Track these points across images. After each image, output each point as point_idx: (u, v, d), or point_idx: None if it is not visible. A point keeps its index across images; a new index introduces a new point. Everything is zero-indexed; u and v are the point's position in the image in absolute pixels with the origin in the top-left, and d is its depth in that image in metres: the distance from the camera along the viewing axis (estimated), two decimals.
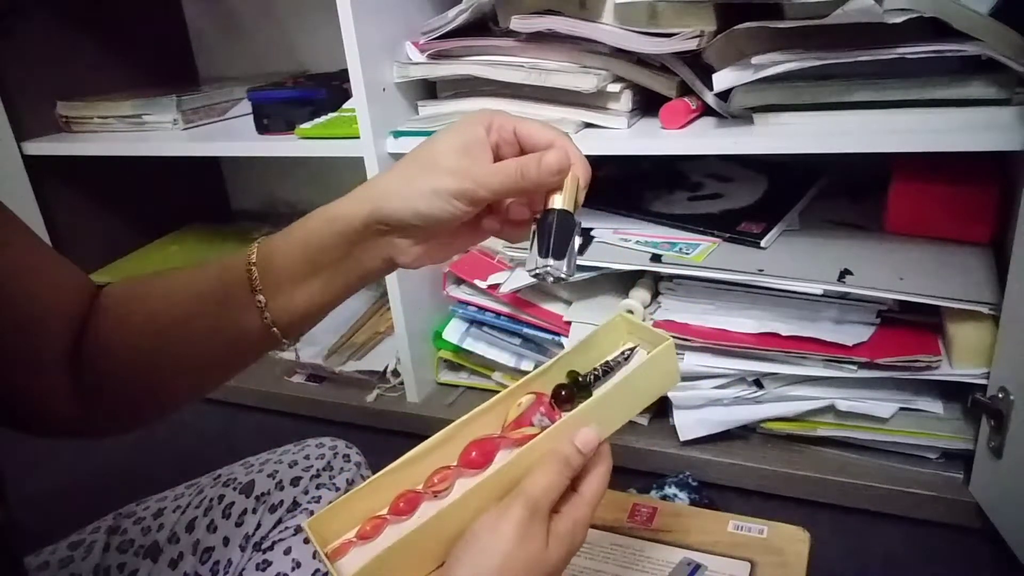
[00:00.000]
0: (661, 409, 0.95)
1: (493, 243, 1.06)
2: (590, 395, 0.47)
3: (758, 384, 0.88)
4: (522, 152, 0.45)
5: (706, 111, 0.89)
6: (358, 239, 0.44)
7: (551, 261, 0.42)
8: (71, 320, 0.47)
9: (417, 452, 0.46)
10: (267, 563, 0.59)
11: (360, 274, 0.46)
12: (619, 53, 0.86)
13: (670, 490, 0.86)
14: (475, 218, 0.45)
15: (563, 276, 0.43)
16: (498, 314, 1.04)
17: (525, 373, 1.04)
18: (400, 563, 0.40)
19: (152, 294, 0.49)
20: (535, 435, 0.44)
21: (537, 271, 0.43)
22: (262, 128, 1.10)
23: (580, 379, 0.48)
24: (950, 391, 0.83)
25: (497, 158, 0.44)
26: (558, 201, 0.43)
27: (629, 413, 0.48)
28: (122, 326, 0.47)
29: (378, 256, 0.45)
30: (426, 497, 0.45)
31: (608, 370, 0.49)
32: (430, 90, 1.03)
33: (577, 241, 0.44)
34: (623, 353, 0.50)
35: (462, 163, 0.43)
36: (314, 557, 0.61)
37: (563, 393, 0.47)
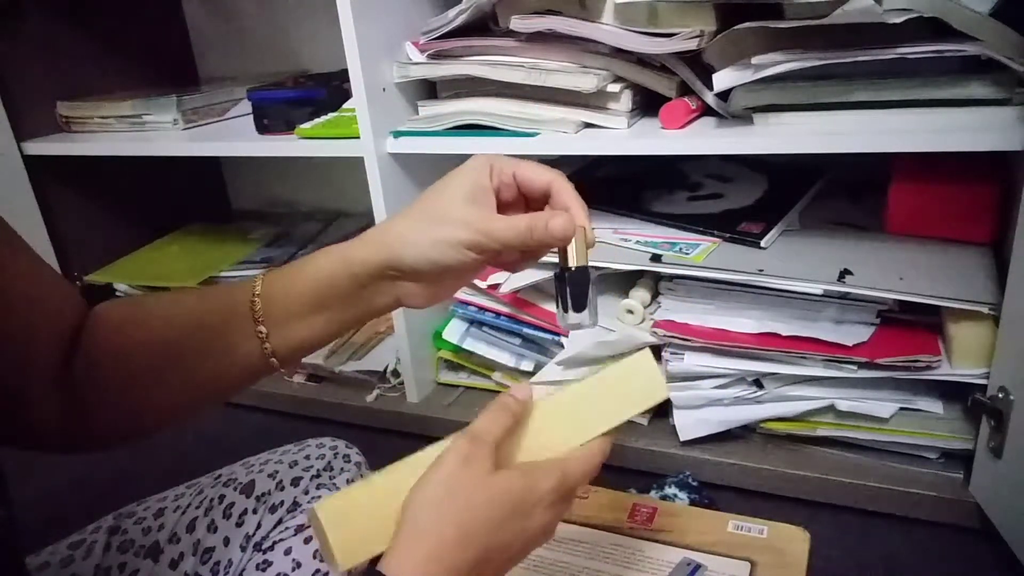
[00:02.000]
0: (661, 409, 0.95)
1: None
2: None
3: (758, 384, 0.88)
4: (520, 192, 0.49)
5: (706, 111, 0.89)
6: (369, 282, 0.47)
7: (576, 317, 0.47)
8: (62, 335, 0.47)
9: (427, 453, 0.45)
10: (267, 563, 0.59)
11: (366, 312, 0.48)
12: (619, 53, 0.86)
13: (670, 490, 0.86)
14: None
15: (589, 326, 0.48)
16: (498, 314, 1.04)
17: (525, 373, 1.05)
18: (377, 504, 0.41)
19: (152, 316, 0.50)
20: None
21: (569, 326, 0.48)
22: (262, 128, 1.10)
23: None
24: (950, 391, 0.83)
25: (498, 201, 0.47)
26: (571, 256, 0.47)
27: (610, 420, 0.47)
28: (118, 346, 0.48)
29: (387, 297, 0.48)
30: None
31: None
32: (430, 90, 1.03)
33: (593, 291, 0.48)
34: None
35: (472, 214, 0.45)
36: (314, 557, 0.61)
37: None
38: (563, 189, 0.48)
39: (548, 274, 0.96)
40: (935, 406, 0.83)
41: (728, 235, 0.92)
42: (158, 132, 1.21)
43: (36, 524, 0.60)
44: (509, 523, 0.40)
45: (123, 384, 0.48)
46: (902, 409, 0.83)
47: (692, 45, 0.80)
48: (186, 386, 0.49)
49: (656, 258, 0.90)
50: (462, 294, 1.07)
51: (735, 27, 0.75)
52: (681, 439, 0.92)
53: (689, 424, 0.91)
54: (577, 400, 0.47)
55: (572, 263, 0.47)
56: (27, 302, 0.45)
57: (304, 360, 1.17)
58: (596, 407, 0.47)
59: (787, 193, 1.00)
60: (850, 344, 0.80)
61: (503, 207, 0.48)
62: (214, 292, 0.50)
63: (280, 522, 0.62)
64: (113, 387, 0.47)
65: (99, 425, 0.48)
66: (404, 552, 0.38)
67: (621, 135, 0.88)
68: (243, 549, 0.60)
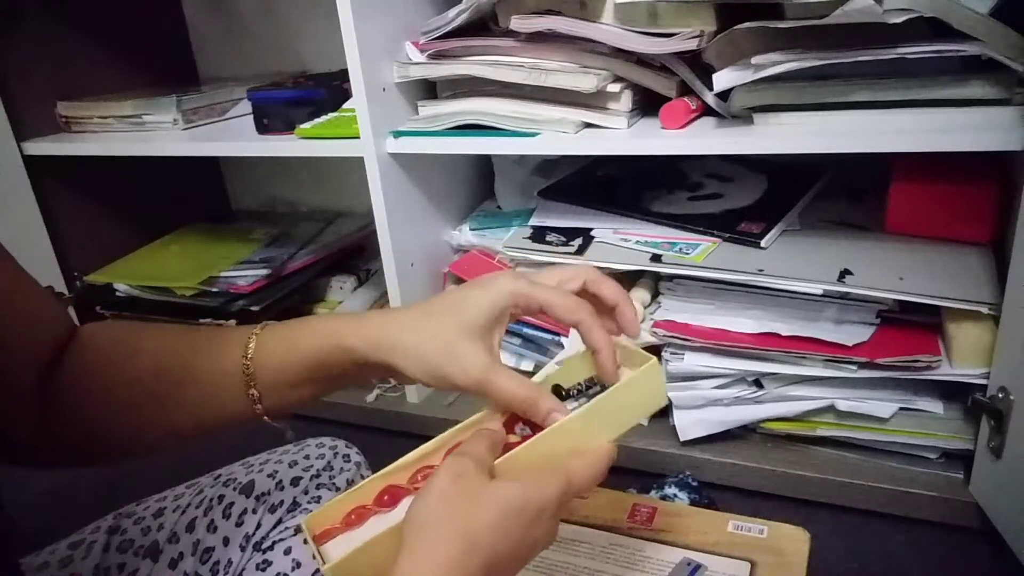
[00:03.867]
0: (661, 409, 0.95)
1: (493, 243, 1.06)
2: (571, 402, 0.48)
3: (758, 384, 0.88)
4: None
5: (706, 111, 0.89)
6: (358, 372, 0.47)
7: None
8: (43, 350, 0.47)
9: (414, 456, 0.47)
10: (267, 563, 0.59)
11: (356, 384, 0.49)
12: (619, 53, 0.86)
13: (670, 490, 0.86)
14: None
15: None
16: None
17: (525, 373, 1.04)
18: (382, 552, 0.40)
19: (140, 353, 0.50)
20: (516, 443, 0.44)
21: None
22: (262, 128, 1.10)
23: (563, 392, 0.49)
24: (950, 391, 0.83)
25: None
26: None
27: (614, 430, 0.47)
28: (100, 376, 0.48)
29: (371, 380, 0.48)
30: (408, 493, 0.45)
31: (591, 385, 0.50)
32: (430, 90, 1.03)
33: None
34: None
35: (476, 361, 0.44)
36: (314, 557, 0.61)
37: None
38: (592, 329, 0.47)
39: None
40: (935, 406, 0.83)
41: (728, 235, 0.92)
42: (158, 132, 1.21)
43: (35, 524, 0.60)
44: (515, 529, 0.39)
45: (100, 413, 0.48)
46: (902, 409, 0.83)
47: (692, 45, 0.80)
48: (170, 425, 0.49)
49: (656, 258, 0.90)
50: None
51: (735, 27, 0.75)
52: (681, 439, 0.92)
53: (689, 424, 0.91)
54: (582, 419, 0.46)
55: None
56: (7, 315, 0.45)
57: None
58: (601, 420, 0.46)
59: (787, 193, 1.00)
60: (850, 344, 0.80)
61: None
62: (206, 342, 0.50)
63: (280, 522, 0.62)
64: (89, 414, 0.48)
65: (72, 443, 0.49)
66: (410, 570, 0.36)
67: (621, 135, 0.88)
68: (243, 549, 0.60)
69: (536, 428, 0.47)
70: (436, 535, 0.37)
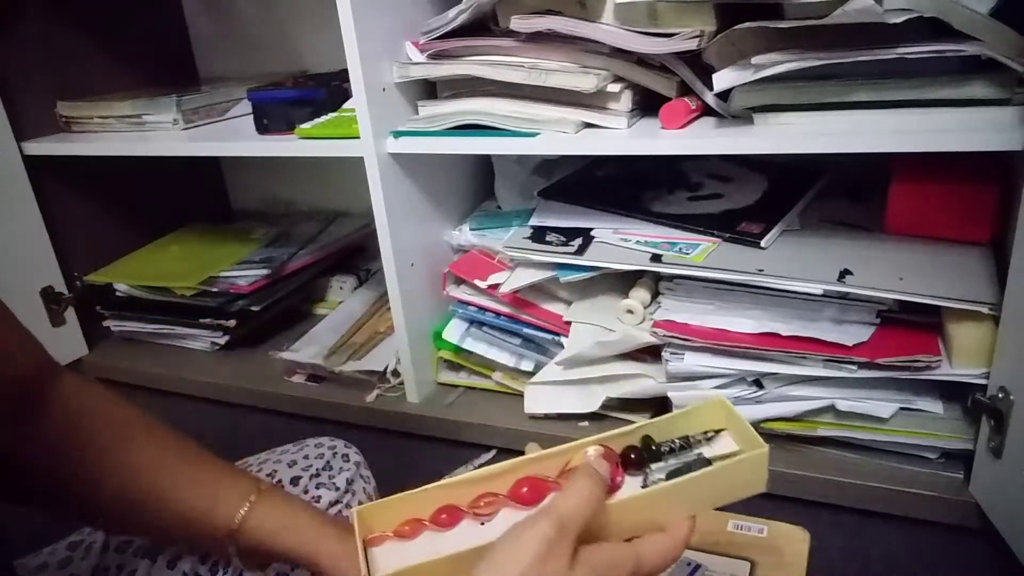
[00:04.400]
0: (661, 409, 0.95)
1: (493, 243, 1.06)
2: (659, 462, 0.46)
3: (758, 384, 0.88)
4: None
5: (706, 111, 0.89)
6: None
7: None
8: (9, 384, 0.47)
9: (473, 475, 0.46)
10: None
11: None
12: (619, 53, 0.86)
13: None
14: None
15: None
16: (498, 314, 1.04)
17: (525, 373, 1.05)
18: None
19: (127, 450, 0.51)
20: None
21: None
22: (262, 128, 1.10)
23: (653, 446, 0.47)
24: (950, 391, 0.83)
25: None
26: None
27: (699, 507, 0.45)
28: (71, 442, 0.49)
29: None
30: (467, 516, 0.45)
31: (685, 445, 0.47)
32: (430, 90, 1.03)
33: None
34: (706, 433, 0.48)
35: None
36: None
37: (632, 456, 0.46)
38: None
39: (549, 274, 0.96)
40: (935, 406, 0.83)
41: (728, 235, 0.92)
42: (158, 132, 1.21)
43: (35, 525, 0.60)
44: None
45: (64, 472, 0.49)
46: (902, 409, 0.83)
47: (692, 45, 0.80)
48: (129, 521, 0.52)
49: (656, 258, 0.90)
50: (462, 294, 1.07)
51: (735, 27, 0.75)
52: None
53: None
54: (669, 493, 0.44)
55: None
56: None
57: (304, 360, 1.17)
58: (690, 496, 0.44)
59: (787, 193, 1.00)
60: (850, 344, 0.80)
61: None
62: (196, 489, 0.52)
63: None
64: (50, 467, 0.48)
65: (20, 485, 0.49)
66: None
67: (621, 135, 0.88)
68: None
69: (616, 474, 0.45)
70: None
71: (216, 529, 0.50)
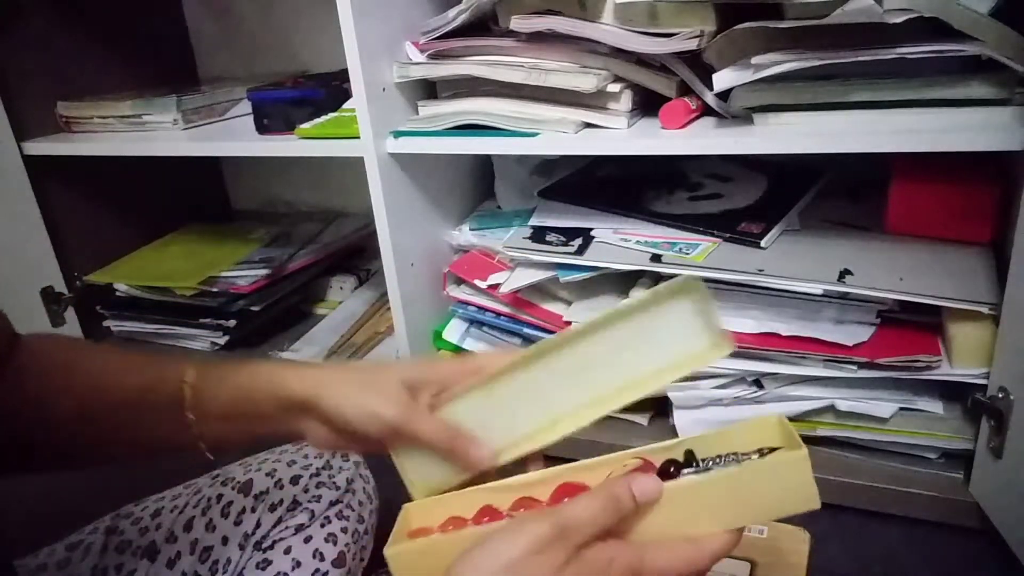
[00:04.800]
0: (661, 409, 0.95)
1: (493, 243, 1.06)
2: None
3: (758, 384, 0.88)
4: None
5: (706, 111, 0.89)
6: (287, 409, 0.48)
7: None
8: None
9: (517, 480, 0.46)
10: (267, 562, 0.59)
11: (273, 433, 0.50)
12: (619, 53, 0.86)
13: None
14: None
15: None
16: (498, 314, 1.04)
17: None
18: (442, 554, 0.40)
19: (77, 368, 0.51)
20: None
21: None
22: (262, 128, 1.10)
23: (696, 462, 0.45)
24: (950, 391, 0.83)
25: None
26: None
27: (740, 516, 0.42)
28: (38, 385, 0.49)
29: (296, 427, 0.49)
30: (506, 518, 0.45)
31: (735, 460, 0.44)
32: (430, 90, 1.03)
33: None
34: (760, 451, 0.44)
35: (405, 400, 0.47)
36: (313, 556, 0.61)
37: (671, 469, 0.45)
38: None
39: (549, 274, 0.96)
40: (935, 406, 0.83)
41: (728, 235, 0.92)
42: (158, 132, 1.21)
43: (34, 525, 0.60)
44: None
45: (35, 424, 0.49)
46: (902, 409, 0.83)
47: (692, 45, 0.80)
48: (101, 445, 0.50)
49: (656, 258, 0.90)
50: (462, 294, 1.07)
51: (735, 27, 0.75)
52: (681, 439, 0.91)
53: (689, 424, 0.90)
54: (688, 492, 0.41)
55: None
56: None
57: (304, 360, 1.17)
58: (714, 500, 0.41)
59: (787, 193, 1.00)
60: (850, 344, 0.80)
61: None
62: (144, 366, 0.51)
63: (280, 521, 0.62)
64: (24, 423, 0.48)
65: (8, 450, 0.49)
66: None
67: (621, 135, 0.88)
68: (242, 548, 0.60)
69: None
70: None
71: (164, 397, 0.49)
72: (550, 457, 0.48)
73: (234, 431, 0.50)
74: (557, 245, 0.97)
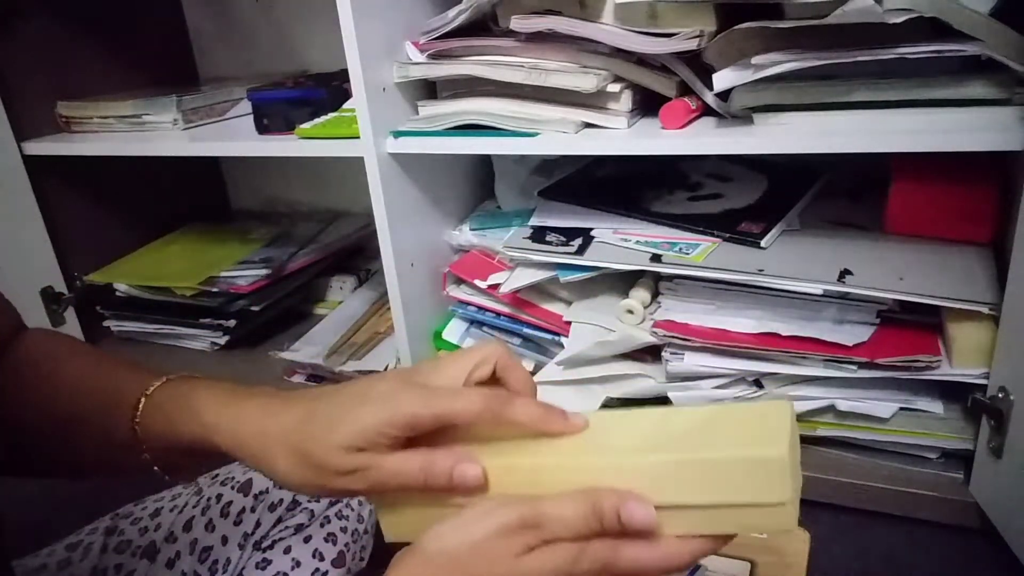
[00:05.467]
0: None
1: (493, 243, 1.06)
2: None
3: (758, 384, 0.88)
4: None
5: (706, 111, 0.89)
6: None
7: None
8: None
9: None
10: (267, 562, 0.59)
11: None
12: (619, 53, 0.86)
13: None
14: None
15: None
16: (498, 314, 1.04)
17: None
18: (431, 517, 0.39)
19: (62, 372, 0.50)
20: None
21: None
22: (262, 128, 1.10)
23: None
24: (950, 391, 0.83)
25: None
26: None
27: (701, 522, 0.38)
28: (26, 385, 0.49)
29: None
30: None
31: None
32: (430, 90, 1.03)
33: None
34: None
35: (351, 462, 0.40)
36: (313, 556, 0.61)
37: None
38: (512, 416, 0.41)
39: (549, 274, 0.96)
40: (935, 406, 0.83)
41: (728, 235, 0.92)
42: (158, 132, 1.21)
43: (33, 526, 0.60)
44: None
45: (19, 423, 0.48)
46: (902, 409, 0.83)
47: (692, 45, 0.80)
48: (69, 455, 0.49)
49: (656, 258, 0.90)
50: (462, 294, 1.07)
51: (735, 27, 0.75)
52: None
53: None
54: (670, 418, 0.39)
55: None
56: None
57: (304, 360, 1.17)
58: (672, 492, 0.38)
59: (787, 193, 1.00)
60: (850, 344, 0.80)
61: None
62: (111, 380, 0.49)
63: (280, 520, 0.62)
64: (11, 422, 0.48)
65: (22, 451, 0.49)
66: None
67: (621, 135, 0.88)
68: (241, 548, 0.60)
69: None
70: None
71: (122, 417, 0.46)
72: None
73: (189, 462, 0.48)
74: (557, 245, 0.97)
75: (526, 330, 1.02)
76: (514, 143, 0.92)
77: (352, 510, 0.65)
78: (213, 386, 0.46)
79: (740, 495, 0.37)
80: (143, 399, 0.46)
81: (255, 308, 1.26)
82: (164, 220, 1.49)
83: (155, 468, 0.47)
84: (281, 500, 0.62)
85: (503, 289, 0.99)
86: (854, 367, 0.81)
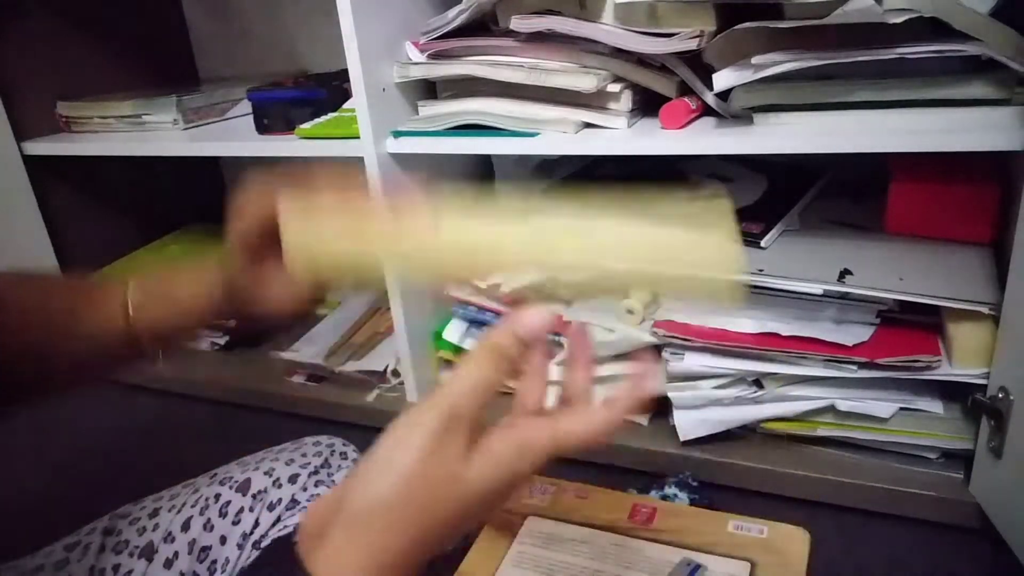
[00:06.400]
0: (661, 409, 0.95)
1: None
2: None
3: (758, 384, 0.88)
4: None
5: (706, 111, 0.89)
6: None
7: None
8: None
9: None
10: None
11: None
12: (619, 53, 0.86)
13: (670, 490, 0.86)
14: None
15: None
16: (498, 314, 1.04)
17: None
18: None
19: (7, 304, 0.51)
20: None
21: None
22: (262, 128, 1.10)
23: None
24: (950, 391, 0.83)
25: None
26: None
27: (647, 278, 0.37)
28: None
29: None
30: None
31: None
32: (430, 90, 1.03)
33: None
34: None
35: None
36: None
37: None
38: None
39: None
40: (935, 406, 0.83)
41: None
42: (158, 132, 1.21)
43: (31, 526, 0.60)
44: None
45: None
46: (902, 409, 0.83)
47: (692, 45, 0.79)
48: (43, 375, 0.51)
49: None
50: (462, 294, 1.07)
51: (735, 27, 0.75)
52: (681, 439, 0.91)
53: (689, 424, 0.91)
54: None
55: None
56: None
57: (304, 360, 1.17)
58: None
59: (787, 193, 1.00)
60: (850, 344, 0.80)
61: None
62: (68, 296, 0.52)
63: (279, 520, 0.62)
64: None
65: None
66: (343, 558, 0.32)
67: (621, 135, 0.88)
68: (240, 547, 0.59)
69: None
70: (386, 527, 0.32)
71: (113, 310, 0.51)
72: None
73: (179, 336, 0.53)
74: None
75: None
76: (514, 143, 0.92)
77: None
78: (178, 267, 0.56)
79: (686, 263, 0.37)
80: (127, 296, 0.52)
81: None
82: (164, 220, 1.49)
83: (129, 315, 0.51)
84: (280, 499, 0.62)
85: (503, 289, 0.99)
86: (854, 367, 0.81)
